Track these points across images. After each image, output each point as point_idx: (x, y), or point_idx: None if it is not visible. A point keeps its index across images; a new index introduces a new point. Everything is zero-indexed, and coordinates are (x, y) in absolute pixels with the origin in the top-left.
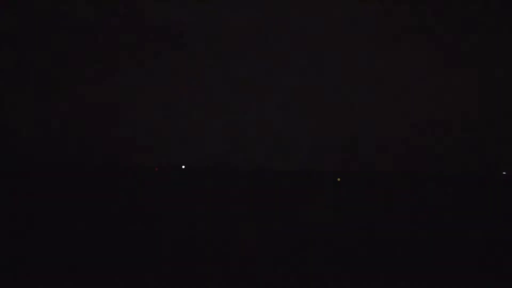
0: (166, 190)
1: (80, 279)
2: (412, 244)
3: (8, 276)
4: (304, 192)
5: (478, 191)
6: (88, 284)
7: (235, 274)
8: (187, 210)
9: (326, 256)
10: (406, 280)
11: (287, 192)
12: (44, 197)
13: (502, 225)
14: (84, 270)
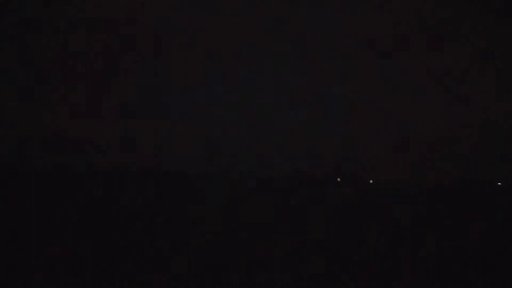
0: (167, 192)
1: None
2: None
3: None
4: (303, 193)
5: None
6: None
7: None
8: (186, 212)
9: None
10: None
11: (287, 194)
12: (43, 199)
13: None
14: (83, 272)
